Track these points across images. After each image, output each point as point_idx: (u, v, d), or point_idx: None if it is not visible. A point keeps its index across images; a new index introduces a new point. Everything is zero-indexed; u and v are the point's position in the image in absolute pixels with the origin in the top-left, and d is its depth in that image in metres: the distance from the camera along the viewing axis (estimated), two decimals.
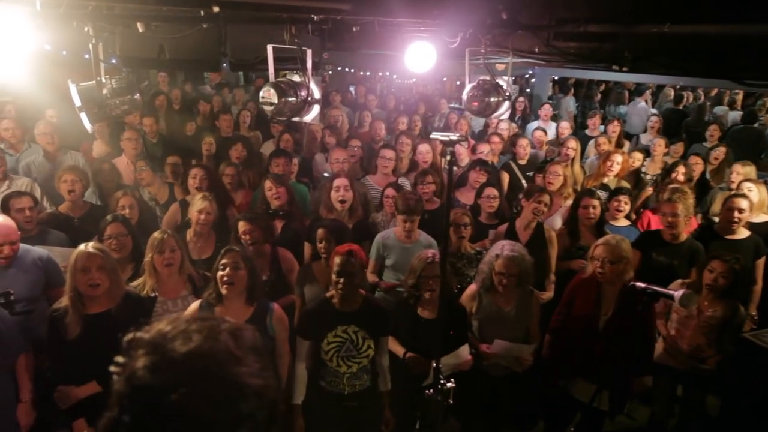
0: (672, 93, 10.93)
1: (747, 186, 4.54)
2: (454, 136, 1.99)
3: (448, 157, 1.97)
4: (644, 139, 7.50)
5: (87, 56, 3.47)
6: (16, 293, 3.12)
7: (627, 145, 7.05)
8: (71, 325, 2.73)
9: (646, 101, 10.39)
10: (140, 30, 3.74)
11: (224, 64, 4.51)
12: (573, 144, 5.68)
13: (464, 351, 3.10)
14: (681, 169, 5.15)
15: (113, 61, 4.28)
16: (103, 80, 3.35)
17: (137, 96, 3.55)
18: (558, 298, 3.68)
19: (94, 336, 2.74)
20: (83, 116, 3.23)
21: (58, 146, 4.99)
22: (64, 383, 2.78)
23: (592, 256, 3.27)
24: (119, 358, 0.83)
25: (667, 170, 5.20)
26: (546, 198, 4.07)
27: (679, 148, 6.56)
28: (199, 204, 3.75)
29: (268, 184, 4.15)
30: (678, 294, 2.05)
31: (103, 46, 3.51)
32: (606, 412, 3.26)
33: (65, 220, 4.06)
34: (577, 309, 3.33)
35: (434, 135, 2.08)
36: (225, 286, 2.80)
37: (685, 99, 10.77)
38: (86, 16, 3.16)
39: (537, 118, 8.16)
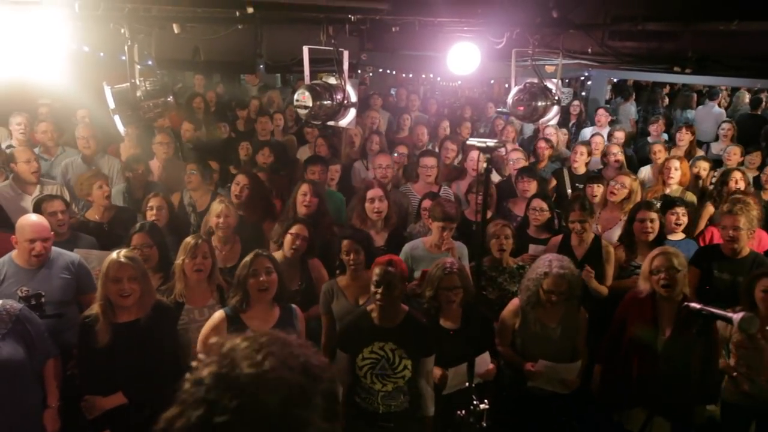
0: (747, 96, 10.50)
1: None
2: (491, 143, 2.01)
3: (485, 165, 1.99)
4: (715, 148, 7.25)
5: (123, 58, 3.69)
6: (47, 296, 3.30)
7: (700, 154, 6.80)
8: (101, 334, 2.85)
9: (719, 105, 10.00)
10: (176, 31, 3.94)
11: (260, 66, 4.67)
12: (615, 150, 5.59)
13: (484, 359, 3.08)
14: (737, 175, 4.94)
15: (149, 62, 4.51)
16: (138, 82, 3.52)
17: (170, 98, 3.72)
18: (606, 320, 3.60)
19: (122, 346, 2.87)
20: (116, 118, 3.41)
21: (95, 149, 5.23)
22: (92, 392, 2.91)
23: (651, 269, 3.19)
24: (198, 358, 0.83)
25: (722, 180, 5.00)
26: (578, 215, 4.00)
27: (756, 158, 6.27)
28: (216, 208, 3.84)
29: (304, 188, 4.23)
30: (737, 317, 1.97)
31: (139, 47, 3.72)
32: None
33: (95, 226, 4.24)
34: (632, 331, 3.25)
35: (471, 141, 2.10)
36: (260, 292, 2.90)
37: (763, 103, 10.32)
38: (123, 17, 3.35)
39: (593, 123, 8.02)
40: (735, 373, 3.32)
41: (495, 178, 5.67)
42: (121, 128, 3.55)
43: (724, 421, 3.55)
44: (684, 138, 6.54)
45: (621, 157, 5.68)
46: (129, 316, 2.93)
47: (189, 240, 3.30)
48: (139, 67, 3.68)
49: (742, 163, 6.04)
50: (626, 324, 3.30)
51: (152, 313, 2.97)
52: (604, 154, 5.88)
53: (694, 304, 2.19)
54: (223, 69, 7.85)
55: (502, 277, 3.88)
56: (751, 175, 5.56)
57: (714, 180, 5.80)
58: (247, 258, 2.98)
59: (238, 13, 3.66)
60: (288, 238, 3.64)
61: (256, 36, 4.49)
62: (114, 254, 2.92)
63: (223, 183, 5.22)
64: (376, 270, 2.92)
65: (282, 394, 0.77)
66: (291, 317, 3.03)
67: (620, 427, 3.29)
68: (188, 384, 0.80)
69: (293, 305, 3.12)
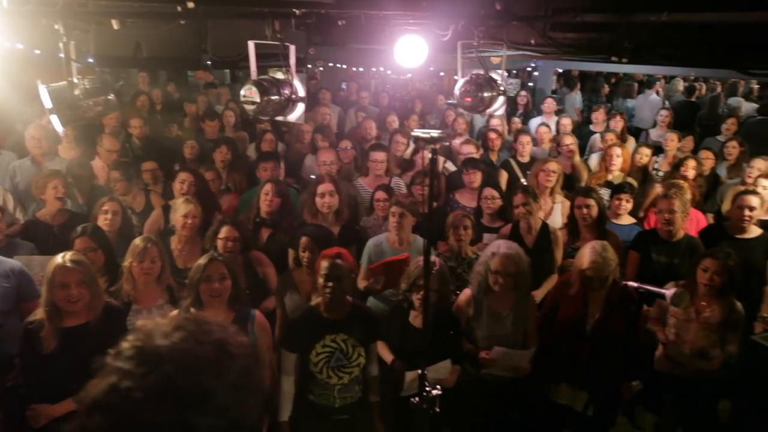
0: (681, 84, 10.97)
1: (763, 183, 4.57)
2: (435, 133, 2.03)
3: (430, 156, 2.01)
4: (654, 134, 7.55)
5: (60, 55, 3.53)
6: None
7: (632, 140, 7.08)
8: (47, 339, 2.75)
9: (657, 93, 10.42)
10: (115, 27, 3.80)
11: (205, 62, 4.58)
12: (569, 140, 5.74)
13: (446, 366, 3.12)
14: (691, 163, 5.18)
15: (89, 60, 4.35)
16: (75, 80, 3.39)
17: (112, 97, 3.60)
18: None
19: (71, 350, 2.76)
20: (54, 119, 3.27)
21: (46, 150, 4.99)
22: (39, 401, 2.80)
23: (582, 269, 3.28)
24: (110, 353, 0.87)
25: (676, 166, 5.23)
26: (521, 198, 4.10)
27: (688, 142, 6.60)
28: (183, 208, 3.77)
29: (266, 188, 4.17)
30: (669, 293, 2.09)
31: (76, 44, 3.56)
32: (596, 420, 3.30)
33: (44, 228, 4.06)
34: (564, 311, 3.37)
35: (416, 132, 2.12)
36: (212, 297, 2.85)
37: (698, 90, 10.81)
38: (56, 13, 3.21)
39: (540, 113, 8.22)
40: (666, 342, 3.51)
41: (453, 168, 5.78)
42: (59, 128, 3.41)
43: (660, 389, 3.74)
44: (618, 125, 6.85)
45: (574, 147, 5.82)
46: (77, 320, 2.83)
47: (137, 243, 3.22)
48: (77, 64, 3.54)
49: (678, 149, 6.33)
50: (559, 304, 3.40)
51: (102, 316, 2.87)
52: (558, 144, 6.02)
53: (631, 283, 2.29)
54: (167, 65, 7.64)
55: (461, 267, 3.93)
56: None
57: (656, 165, 6.07)
58: (202, 261, 2.91)
59: (179, 8, 3.57)
60: (219, 243, 3.56)
61: (200, 31, 4.39)
62: (59, 258, 2.80)
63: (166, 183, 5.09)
64: (324, 264, 2.92)
65: (187, 364, 0.83)
66: (246, 322, 2.95)
67: (554, 402, 3.40)
68: (110, 357, 0.86)
69: (254, 310, 3.05)
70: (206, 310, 2.88)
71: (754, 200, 4.06)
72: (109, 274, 3.39)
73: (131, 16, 3.89)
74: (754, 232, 4.11)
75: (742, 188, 4.41)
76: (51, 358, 2.76)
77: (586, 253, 3.26)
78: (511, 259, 3.23)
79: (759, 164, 5.19)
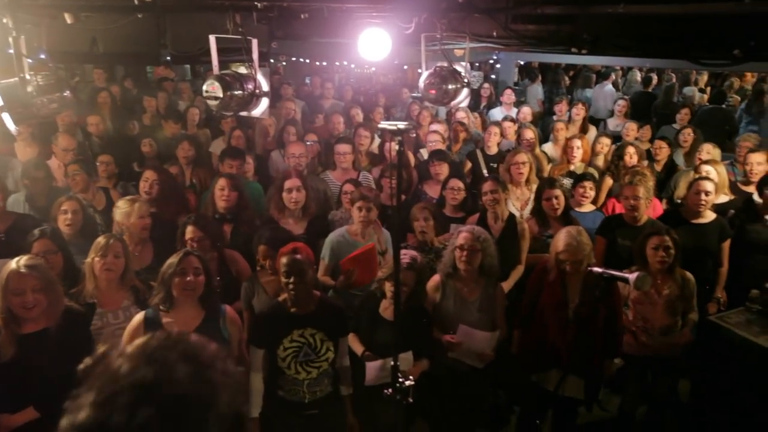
0: (639, 75, 11.28)
1: (705, 169, 4.75)
2: (402, 125, 2.04)
3: (396, 148, 2.02)
4: (611, 123, 7.73)
5: (10, 51, 3.39)
6: None
7: (593, 130, 7.25)
8: (4, 346, 2.65)
9: (612, 84, 10.69)
10: (68, 21, 3.67)
11: (165, 58, 4.47)
12: (529, 135, 5.84)
13: (407, 357, 3.12)
14: (630, 150, 5.35)
15: (42, 56, 4.18)
16: (28, 77, 3.26)
17: (67, 93, 3.48)
18: (521, 291, 3.78)
19: (31, 357, 2.67)
20: (5, 117, 3.15)
21: None
22: None
23: (557, 253, 3.36)
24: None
25: (618, 154, 5.39)
26: (490, 186, 4.18)
27: (646, 131, 6.80)
28: (137, 209, 3.66)
29: (221, 183, 4.10)
30: (632, 277, 2.16)
31: (27, 39, 3.43)
32: (582, 401, 3.39)
33: None
34: (544, 300, 3.44)
35: (382, 124, 2.12)
36: (185, 291, 2.79)
37: (653, 81, 11.13)
38: (4, 6, 3.08)
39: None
40: (633, 327, 3.62)
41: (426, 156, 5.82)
42: (12, 127, 3.28)
43: (624, 371, 3.86)
44: (579, 114, 7.00)
45: (534, 141, 5.87)
46: (36, 326, 2.73)
47: (100, 239, 3.12)
48: (29, 60, 3.41)
49: (637, 138, 6.52)
50: (540, 293, 3.48)
51: (62, 321, 2.78)
52: (519, 136, 6.11)
53: (596, 269, 2.36)
54: (125, 61, 7.41)
55: (429, 257, 3.96)
56: (643, 147, 6.00)
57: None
58: (175, 257, 2.85)
59: (136, 1, 3.48)
60: (187, 244, 3.47)
61: (159, 25, 4.28)
62: (13, 264, 2.68)
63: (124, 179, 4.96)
64: (283, 260, 2.90)
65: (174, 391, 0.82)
66: (217, 319, 2.91)
67: (538, 386, 3.47)
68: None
69: (225, 306, 3.00)
70: (177, 308, 2.83)
71: (709, 186, 4.21)
72: (69, 278, 3.28)
73: (86, 10, 3.76)
74: (709, 216, 4.26)
75: (697, 175, 4.57)
76: (8, 366, 2.65)
77: (562, 237, 3.34)
78: (475, 235, 3.29)
79: (710, 149, 5.38)
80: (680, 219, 4.30)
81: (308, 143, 5.52)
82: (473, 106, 8.55)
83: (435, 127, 5.98)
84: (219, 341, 2.82)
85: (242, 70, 3.95)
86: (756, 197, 4.57)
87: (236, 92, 3.80)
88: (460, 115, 6.87)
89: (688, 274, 3.58)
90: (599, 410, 4.41)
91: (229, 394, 0.86)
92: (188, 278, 2.80)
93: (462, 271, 3.36)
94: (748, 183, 4.92)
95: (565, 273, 3.32)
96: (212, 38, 3.76)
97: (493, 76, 10.98)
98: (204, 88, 3.76)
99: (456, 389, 3.40)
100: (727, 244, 4.23)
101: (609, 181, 5.29)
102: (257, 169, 5.46)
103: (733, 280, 4.28)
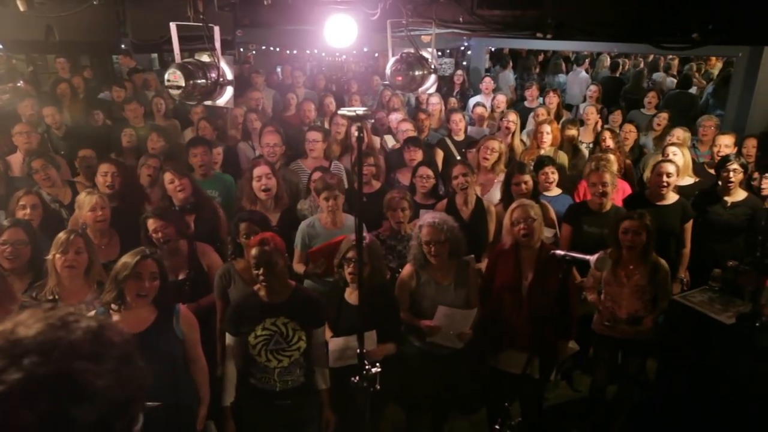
0: (608, 61, 11.39)
1: (672, 150, 4.83)
2: (360, 110, 2.02)
3: (356, 134, 2.00)
4: (583, 109, 7.81)
5: None
6: None
7: (567, 115, 7.31)
8: None
9: (586, 70, 10.78)
10: (21, 9, 3.54)
11: (125, 46, 4.35)
12: (513, 117, 5.85)
13: (371, 336, 3.12)
14: (607, 134, 5.44)
15: None
16: None
17: (21, 84, 3.36)
18: None
19: None
20: None
21: None
22: None
23: (512, 221, 3.42)
24: None
25: (597, 140, 5.46)
26: (461, 169, 4.19)
27: (617, 116, 6.88)
28: (88, 202, 3.58)
29: (168, 176, 4.00)
30: (593, 259, 2.19)
31: None
32: (538, 380, 3.43)
33: None
34: (499, 277, 3.47)
35: (341, 111, 2.10)
36: (138, 297, 2.73)
37: (621, 66, 11.26)
38: None
39: (477, 92, 8.33)
40: (601, 307, 3.69)
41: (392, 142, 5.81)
42: None
43: (595, 352, 3.94)
44: (552, 101, 7.05)
45: (514, 126, 5.88)
46: None
47: (61, 235, 3.05)
48: None
49: (606, 122, 6.60)
50: (495, 272, 3.51)
51: None
52: (500, 118, 6.11)
53: (558, 252, 2.38)
54: (83, 50, 7.17)
55: (402, 245, 3.96)
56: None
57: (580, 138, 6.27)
58: (132, 258, 2.74)
59: None
60: (153, 237, 3.43)
61: (119, 13, 4.16)
62: None
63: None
64: (253, 252, 2.89)
65: (55, 353, 0.81)
66: (170, 318, 2.85)
67: (499, 370, 3.50)
68: None
69: (179, 305, 2.95)
70: (128, 309, 2.75)
71: (671, 168, 4.29)
72: (34, 271, 3.20)
73: None
74: (672, 198, 4.35)
75: (661, 157, 4.64)
76: None
77: (514, 206, 3.41)
78: (438, 227, 3.29)
79: (680, 134, 5.48)
80: (644, 201, 4.37)
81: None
82: (446, 93, 8.55)
83: (395, 116, 5.95)
84: (172, 340, 2.82)
85: (205, 58, 3.87)
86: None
87: (199, 81, 3.72)
88: (434, 100, 6.86)
89: (662, 262, 3.61)
90: (570, 390, 4.51)
91: (118, 381, 0.84)
92: (144, 284, 2.72)
93: (432, 262, 3.38)
94: (714, 165, 5.02)
95: (519, 250, 3.35)
96: (173, 26, 3.67)
97: (464, 63, 10.98)
98: (166, 77, 3.67)
99: (433, 374, 3.42)
100: (689, 225, 4.31)
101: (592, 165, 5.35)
102: (228, 160, 5.37)
103: (696, 260, 4.37)
